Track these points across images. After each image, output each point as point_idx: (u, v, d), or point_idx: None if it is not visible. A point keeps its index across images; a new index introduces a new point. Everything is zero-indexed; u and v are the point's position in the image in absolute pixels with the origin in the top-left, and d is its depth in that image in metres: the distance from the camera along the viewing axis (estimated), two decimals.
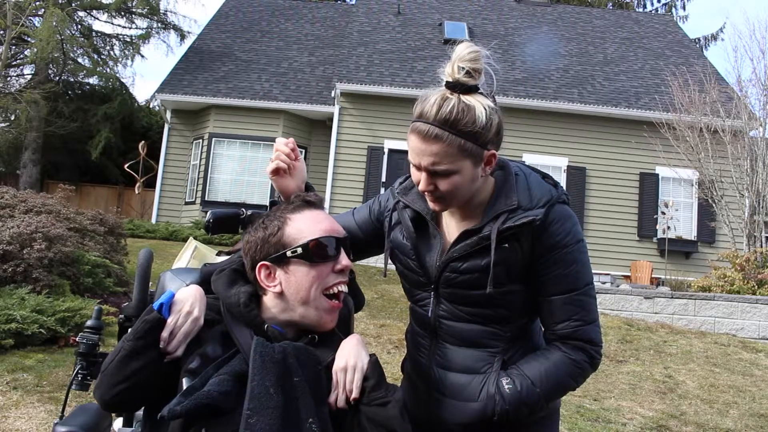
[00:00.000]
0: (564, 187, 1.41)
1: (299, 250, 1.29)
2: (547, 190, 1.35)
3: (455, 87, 1.25)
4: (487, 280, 1.31)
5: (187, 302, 1.26)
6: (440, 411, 1.40)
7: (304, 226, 1.31)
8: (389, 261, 1.49)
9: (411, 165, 1.33)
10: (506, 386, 1.33)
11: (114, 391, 1.20)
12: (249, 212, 1.44)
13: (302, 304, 1.29)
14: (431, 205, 1.35)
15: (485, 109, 1.25)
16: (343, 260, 1.32)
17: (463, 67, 1.24)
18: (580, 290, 1.34)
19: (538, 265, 1.34)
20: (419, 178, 1.31)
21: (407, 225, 1.44)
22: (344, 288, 1.35)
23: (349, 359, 1.25)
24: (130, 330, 1.27)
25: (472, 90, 1.26)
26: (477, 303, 1.36)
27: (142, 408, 1.34)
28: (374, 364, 1.26)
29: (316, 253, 1.29)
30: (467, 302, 1.37)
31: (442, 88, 1.27)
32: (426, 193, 1.33)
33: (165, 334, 1.22)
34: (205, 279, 1.41)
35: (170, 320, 1.23)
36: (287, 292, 1.30)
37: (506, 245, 1.31)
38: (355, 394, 1.21)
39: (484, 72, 1.27)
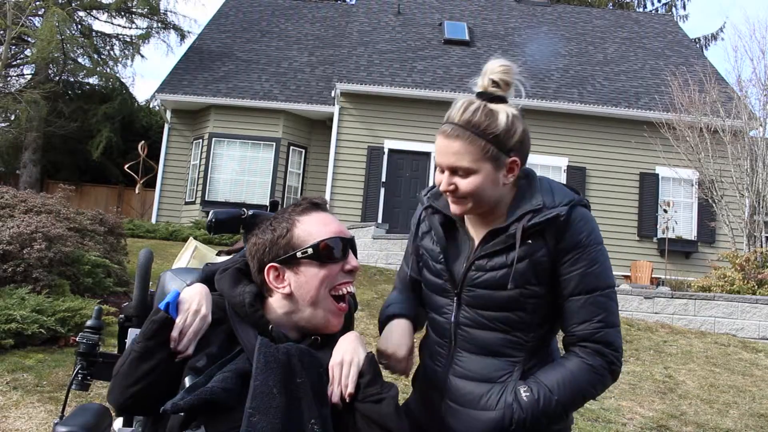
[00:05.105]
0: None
1: (309, 250, 1.30)
2: (569, 192, 1.40)
3: (482, 95, 1.34)
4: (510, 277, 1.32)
5: (194, 300, 1.27)
6: (454, 421, 1.38)
7: (313, 228, 1.32)
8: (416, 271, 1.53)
9: (437, 168, 1.37)
10: (524, 394, 1.31)
11: (128, 393, 1.20)
12: (250, 212, 1.44)
13: (311, 305, 1.30)
14: (452, 207, 1.37)
15: (508, 115, 1.33)
16: (352, 261, 1.34)
17: (493, 79, 1.34)
18: (602, 291, 1.34)
19: (561, 264, 1.34)
20: (441, 179, 1.35)
21: (437, 229, 1.45)
22: (351, 288, 1.36)
23: (345, 355, 1.25)
24: (138, 332, 1.27)
25: (499, 100, 1.34)
26: (499, 306, 1.35)
27: None
28: (370, 360, 1.26)
29: (326, 253, 1.30)
30: (489, 306, 1.36)
31: (471, 95, 1.37)
32: (447, 193, 1.36)
33: (175, 333, 1.22)
34: (207, 278, 1.41)
35: (179, 319, 1.24)
36: (297, 293, 1.30)
37: (531, 241, 1.33)
38: (350, 389, 1.21)
39: (514, 86, 1.35)
